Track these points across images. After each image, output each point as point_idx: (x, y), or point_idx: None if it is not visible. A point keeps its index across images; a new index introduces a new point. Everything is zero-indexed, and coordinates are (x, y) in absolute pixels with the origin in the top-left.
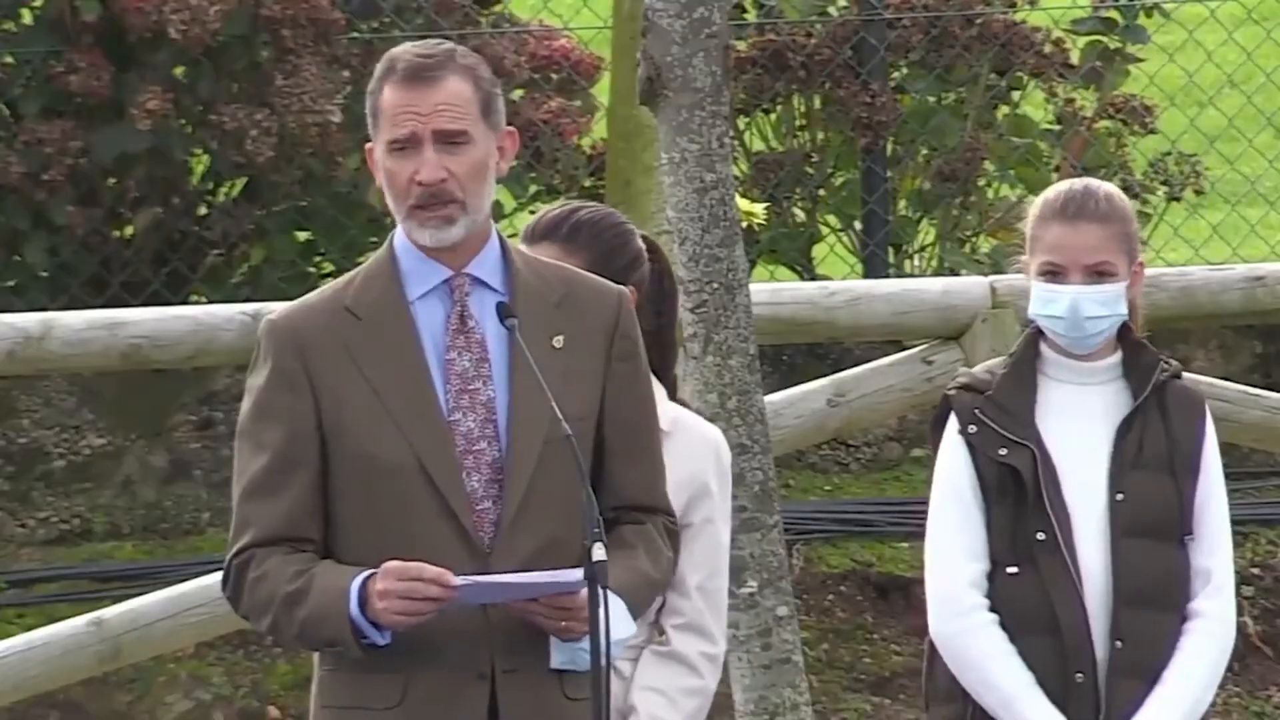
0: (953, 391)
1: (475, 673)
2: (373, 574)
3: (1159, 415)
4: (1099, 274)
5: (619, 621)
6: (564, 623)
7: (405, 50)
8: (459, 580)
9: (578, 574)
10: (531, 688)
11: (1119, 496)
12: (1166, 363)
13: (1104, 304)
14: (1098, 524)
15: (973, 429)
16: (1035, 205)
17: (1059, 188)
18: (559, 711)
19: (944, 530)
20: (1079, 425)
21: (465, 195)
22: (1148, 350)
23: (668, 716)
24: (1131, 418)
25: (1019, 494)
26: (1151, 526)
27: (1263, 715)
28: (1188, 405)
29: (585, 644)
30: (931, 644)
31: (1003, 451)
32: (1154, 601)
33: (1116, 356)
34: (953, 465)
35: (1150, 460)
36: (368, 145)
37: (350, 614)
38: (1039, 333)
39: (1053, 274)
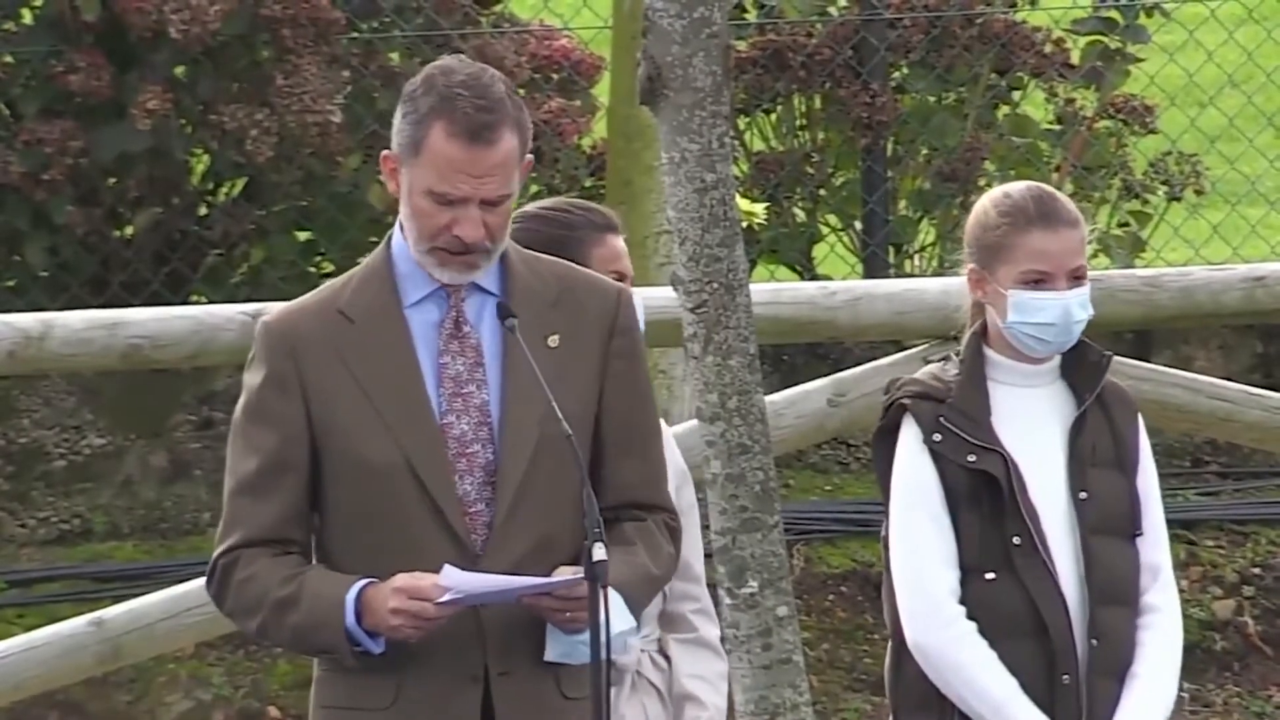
0: (909, 401)
1: (468, 675)
2: (369, 584)
3: (1101, 412)
4: (1077, 277)
5: (617, 615)
6: (569, 614)
7: (460, 89)
8: (448, 595)
9: (563, 576)
10: (527, 689)
11: (1082, 495)
12: (1108, 356)
13: (1085, 306)
14: (1065, 524)
15: (938, 437)
16: (992, 214)
17: (1012, 194)
18: (557, 711)
19: (916, 540)
20: (1032, 427)
21: (494, 245)
22: (1091, 348)
23: (717, 701)
24: (1083, 417)
25: (991, 499)
26: (1113, 524)
27: (1263, 715)
28: (1123, 401)
29: (583, 638)
30: (897, 652)
31: (971, 458)
32: (1121, 598)
33: (1058, 356)
34: (917, 474)
35: (1103, 458)
36: (385, 152)
37: (346, 625)
38: (983, 336)
39: (1039, 281)
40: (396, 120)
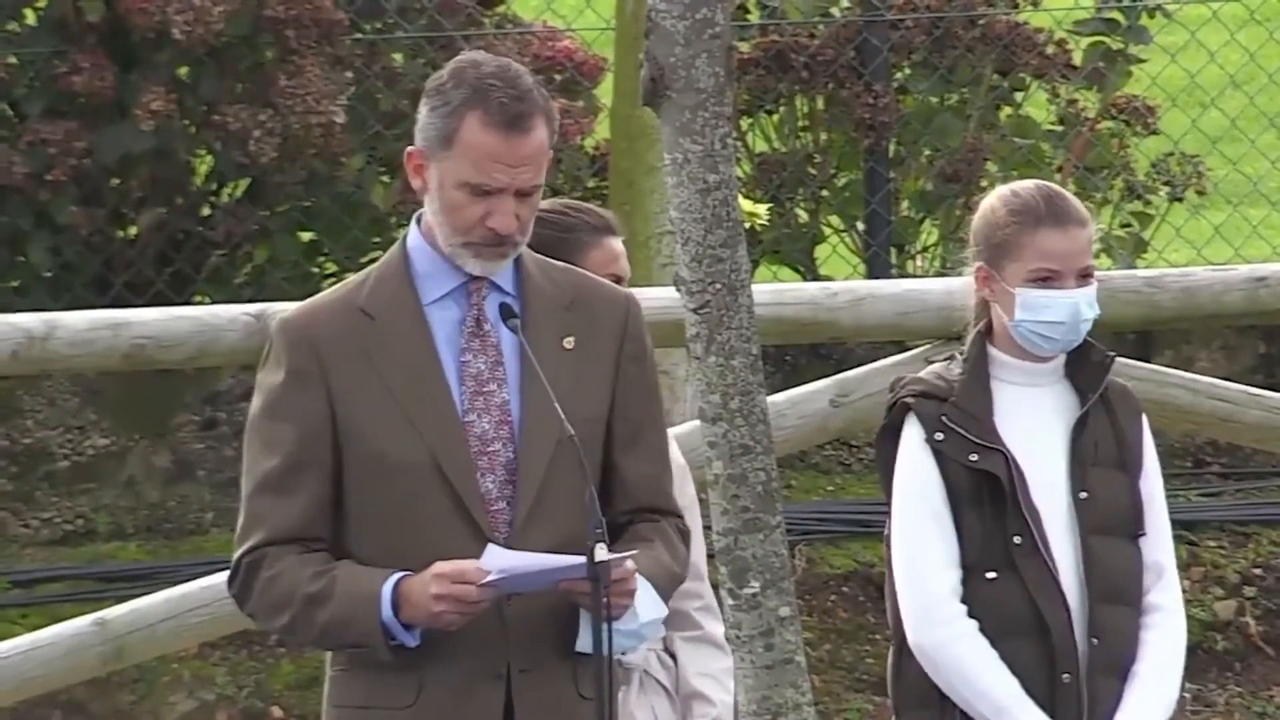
0: (911, 400)
1: (491, 672)
2: (405, 576)
3: (1104, 412)
4: (1085, 276)
5: (651, 603)
6: (607, 599)
7: (493, 80)
8: (491, 577)
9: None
10: (547, 686)
11: (1082, 495)
12: (1111, 356)
13: (1092, 305)
14: (1065, 524)
15: (940, 436)
16: (1001, 212)
17: (1021, 193)
18: (575, 710)
19: (917, 539)
20: (1034, 426)
21: (524, 236)
22: (1094, 348)
23: (724, 698)
24: (1085, 417)
25: (993, 498)
26: (1114, 523)
27: (1265, 715)
28: (1127, 401)
29: (617, 626)
30: (899, 650)
31: (974, 457)
32: (1121, 597)
33: (1062, 356)
34: (919, 473)
35: (1105, 458)
36: (410, 149)
37: (382, 618)
38: (987, 335)
39: (1047, 280)
40: (423, 115)
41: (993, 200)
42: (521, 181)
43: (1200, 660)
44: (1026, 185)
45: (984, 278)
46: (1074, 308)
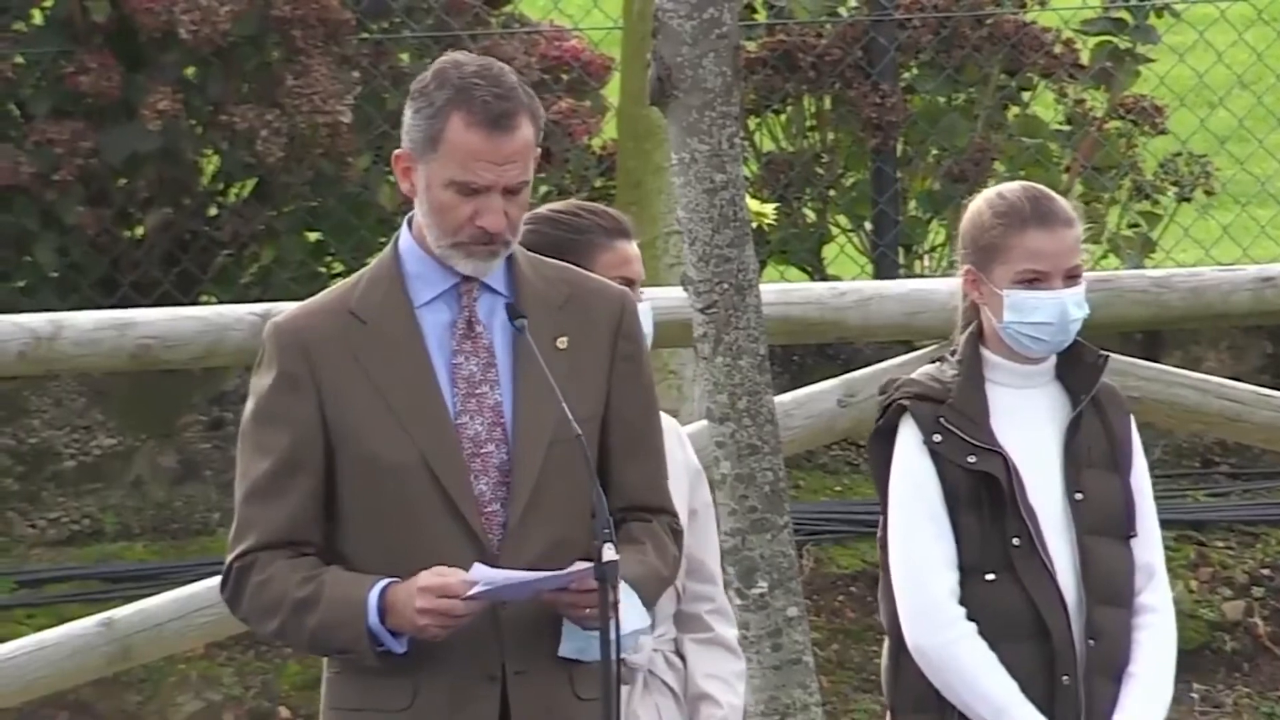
0: (907, 402)
1: (486, 675)
2: (392, 583)
3: (1095, 413)
4: (1073, 276)
5: (634, 612)
6: (588, 610)
7: (475, 79)
8: (475, 589)
9: (584, 566)
10: (543, 689)
11: (1078, 496)
12: (1104, 357)
13: (1080, 305)
14: (1061, 525)
15: (938, 438)
16: (987, 214)
17: (1007, 195)
18: (571, 712)
19: (916, 541)
20: (1028, 428)
21: (514, 234)
22: (1086, 349)
23: (733, 700)
24: (1078, 418)
25: (992, 500)
26: (1108, 524)
27: (1273, 716)
28: (1116, 402)
29: (600, 636)
30: (895, 652)
31: (972, 459)
32: (1117, 598)
33: (1053, 357)
34: (917, 475)
35: (1098, 459)
36: (397, 152)
37: (369, 625)
38: (979, 336)
39: (1034, 281)
40: (408, 117)
41: (979, 203)
42: (508, 179)
43: (1208, 661)
44: (1012, 187)
45: (972, 280)
46: (1062, 308)
